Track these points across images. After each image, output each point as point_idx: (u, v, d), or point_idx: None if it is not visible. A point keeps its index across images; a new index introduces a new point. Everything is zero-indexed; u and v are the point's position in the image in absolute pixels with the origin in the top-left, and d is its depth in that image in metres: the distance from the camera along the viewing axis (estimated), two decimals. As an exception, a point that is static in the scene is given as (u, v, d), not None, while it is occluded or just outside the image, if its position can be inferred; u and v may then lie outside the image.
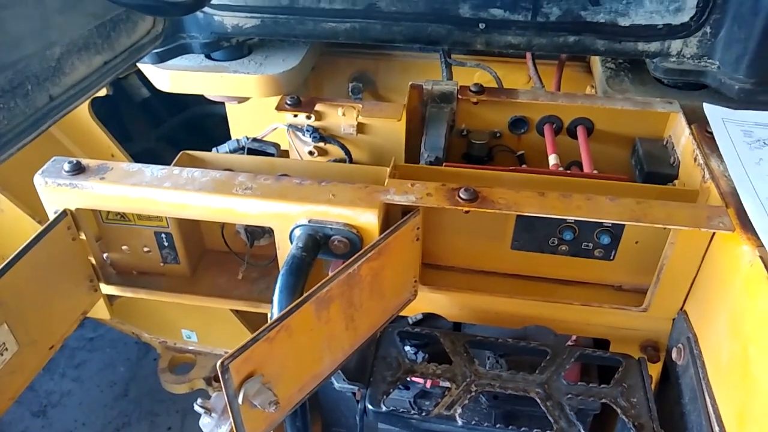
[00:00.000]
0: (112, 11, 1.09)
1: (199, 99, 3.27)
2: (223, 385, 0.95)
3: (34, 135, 1.03)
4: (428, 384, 1.53)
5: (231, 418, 1.01)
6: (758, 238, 1.07)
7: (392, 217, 1.24)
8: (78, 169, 1.23)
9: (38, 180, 1.22)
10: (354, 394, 1.64)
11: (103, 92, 2.36)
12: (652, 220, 1.12)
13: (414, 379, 1.46)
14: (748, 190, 1.17)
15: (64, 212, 1.23)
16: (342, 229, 1.17)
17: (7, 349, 1.13)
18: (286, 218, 1.18)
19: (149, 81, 2.97)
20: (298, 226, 1.18)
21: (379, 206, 1.16)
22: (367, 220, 1.16)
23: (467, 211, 1.17)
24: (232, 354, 0.93)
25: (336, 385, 1.55)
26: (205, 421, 1.75)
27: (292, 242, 1.20)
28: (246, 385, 0.98)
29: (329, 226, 1.17)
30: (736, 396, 1.05)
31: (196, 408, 1.75)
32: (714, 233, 1.15)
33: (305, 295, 1.03)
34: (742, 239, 1.08)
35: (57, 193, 1.22)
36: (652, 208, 1.14)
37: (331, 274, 1.08)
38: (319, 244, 1.18)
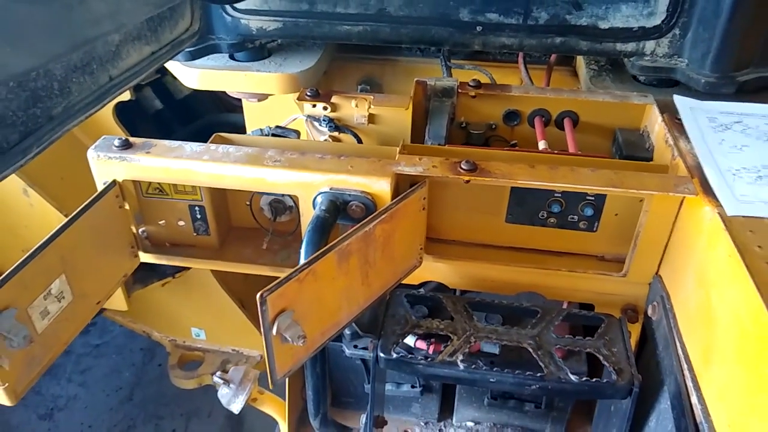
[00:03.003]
0: (169, 1, 1.27)
1: (209, 109, 3.47)
2: (260, 317, 1.11)
3: (97, 108, 1.20)
4: (431, 350, 1.68)
5: (264, 350, 1.17)
6: (717, 201, 1.25)
7: (402, 189, 1.41)
8: (126, 145, 1.40)
9: (91, 154, 1.39)
10: (363, 361, 1.80)
11: (126, 96, 2.55)
12: (627, 187, 1.30)
13: (417, 345, 1.62)
14: (710, 164, 1.35)
15: (114, 182, 1.40)
16: (359, 195, 1.34)
17: (64, 297, 1.28)
18: (310, 186, 1.35)
19: (162, 94, 3.16)
20: (320, 194, 1.35)
21: (391, 175, 1.34)
22: (381, 187, 1.34)
23: (467, 181, 1.35)
24: (269, 288, 1.09)
25: (347, 351, 1.71)
26: (223, 392, 1.89)
27: (315, 208, 1.37)
28: (279, 318, 1.14)
29: (348, 192, 1.34)
30: (701, 336, 1.21)
31: (215, 380, 1.89)
32: (682, 201, 1.32)
33: (329, 245, 1.20)
34: (704, 202, 1.26)
35: (107, 165, 1.39)
36: (628, 178, 1.32)
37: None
38: (338, 209, 1.35)
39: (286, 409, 1.95)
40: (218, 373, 1.89)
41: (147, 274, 2.76)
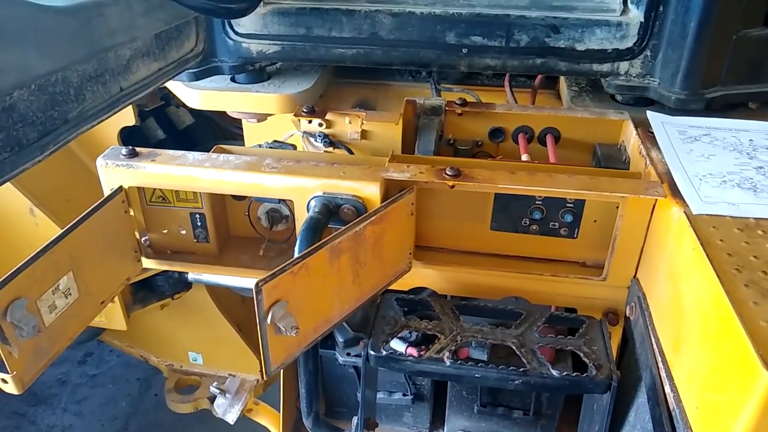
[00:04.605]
0: (177, 19, 1.38)
1: (208, 137, 3.59)
2: (256, 306, 1.18)
3: (108, 115, 1.30)
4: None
5: (259, 340, 1.23)
6: (685, 202, 1.34)
7: (391, 195, 1.50)
8: (133, 154, 1.49)
9: (100, 162, 1.48)
10: (356, 369, 1.86)
11: (131, 122, 2.67)
12: (601, 190, 1.39)
13: (409, 352, 1.68)
14: (679, 170, 1.44)
15: (120, 188, 1.48)
16: (350, 199, 1.43)
17: (71, 294, 1.36)
18: (305, 191, 1.44)
19: (164, 124, 3.30)
20: (314, 197, 1.44)
21: (380, 180, 1.43)
22: (371, 191, 1.42)
23: (452, 186, 1.44)
24: (264, 279, 1.17)
25: (341, 359, 1.77)
26: (219, 402, 1.94)
27: (308, 212, 1.45)
28: (274, 308, 1.21)
29: (340, 196, 1.43)
30: (672, 327, 1.28)
31: (212, 389, 1.94)
32: (654, 205, 1.41)
33: (321, 241, 1.28)
34: (672, 203, 1.35)
35: (115, 172, 1.48)
36: (602, 182, 1.41)
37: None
38: (331, 212, 1.43)
39: (280, 420, 1.99)
40: (215, 383, 1.94)
41: (146, 294, 2.82)
